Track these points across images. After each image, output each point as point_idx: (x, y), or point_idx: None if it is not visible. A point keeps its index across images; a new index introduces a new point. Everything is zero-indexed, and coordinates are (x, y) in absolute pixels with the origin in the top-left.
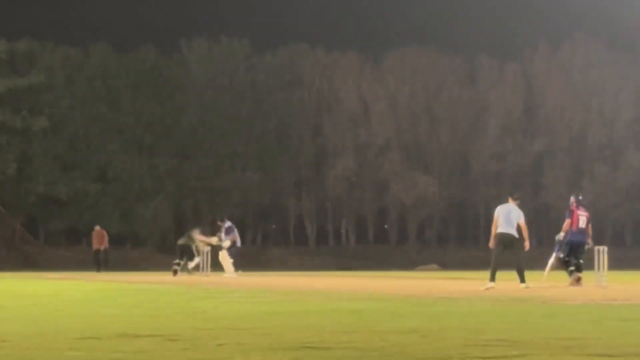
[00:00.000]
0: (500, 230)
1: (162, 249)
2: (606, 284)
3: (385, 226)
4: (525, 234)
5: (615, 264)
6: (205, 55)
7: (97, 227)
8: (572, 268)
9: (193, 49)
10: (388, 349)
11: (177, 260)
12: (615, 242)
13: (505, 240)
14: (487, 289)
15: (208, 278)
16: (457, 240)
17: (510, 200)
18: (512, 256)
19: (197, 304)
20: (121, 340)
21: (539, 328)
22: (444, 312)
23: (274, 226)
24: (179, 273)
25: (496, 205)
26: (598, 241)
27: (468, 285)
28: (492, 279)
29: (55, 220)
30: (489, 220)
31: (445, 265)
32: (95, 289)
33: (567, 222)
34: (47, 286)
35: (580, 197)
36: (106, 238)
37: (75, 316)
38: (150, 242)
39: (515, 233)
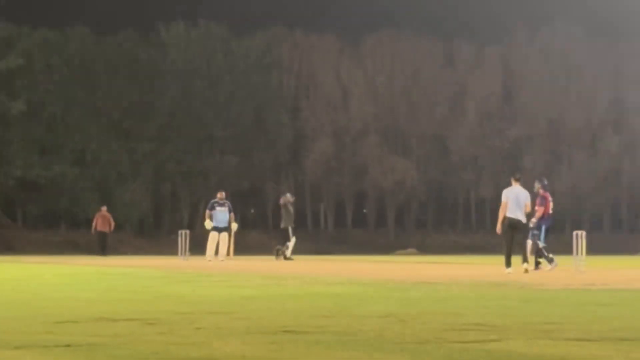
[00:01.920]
0: (509, 215)
1: (140, 232)
2: (584, 269)
3: (364, 210)
4: (537, 211)
5: (594, 249)
6: (183, 39)
7: (104, 209)
8: (550, 255)
9: (171, 32)
10: (366, 333)
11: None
12: (593, 227)
13: (514, 224)
14: (507, 274)
15: (187, 262)
16: (436, 224)
17: (513, 182)
18: (518, 238)
19: (175, 288)
20: (99, 324)
21: (516, 313)
22: (422, 296)
23: (252, 210)
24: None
25: (474, 189)
26: (577, 226)
27: (446, 269)
28: (508, 264)
29: (33, 204)
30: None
31: (424, 249)
32: (73, 272)
33: (540, 209)
34: (25, 270)
35: (546, 182)
36: (112, 221)
37: (53, 300)
38: (128, 226)
39: (523, 217)
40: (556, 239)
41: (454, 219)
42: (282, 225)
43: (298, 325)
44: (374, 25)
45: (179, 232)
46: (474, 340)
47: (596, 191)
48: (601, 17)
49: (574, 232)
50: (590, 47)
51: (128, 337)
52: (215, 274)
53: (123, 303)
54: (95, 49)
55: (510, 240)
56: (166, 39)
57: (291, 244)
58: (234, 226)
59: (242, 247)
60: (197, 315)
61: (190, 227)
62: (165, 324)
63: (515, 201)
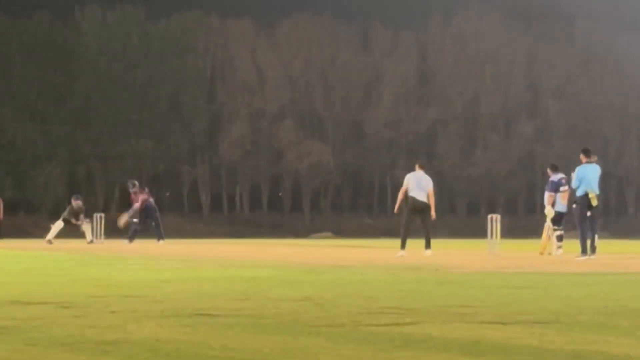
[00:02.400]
0: (412, 194)
1: (56, 215)
2: (499, 252)
3: (280, 194)
4: (432, 202)
5: (508, 232)
6: (99, 22)
7: None
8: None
9: (87, 15)
10: (281, 317)
11: None
12: (508, 211)
13: (419, 206)
14: (399, 257)
15: (102, 245)
16: (351, 208)
17: (417, 167)
18: (423, 223)
19: (90, 271)
20: (13, 307)
21: (431, 296)
22: (337, 280)
23: (167, 193)
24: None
25: (390, 173)
26: (491, 209)
27: (362, 253)
28: (403, 246)
29: None
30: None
31: (339, 233)
32: None
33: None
34: None
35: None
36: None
37: None
38: (44, 209)
39: (427, 200)
40: (471, 222)
41: (370, 203)
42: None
43: (213, 308)
44: (290, 9)
45: (94, 215)
46: (390, 324)
47: (511, 175)
48: (516, 2)
49: (489, 216)
50: (505, 31)
51: (42, 320)
52: (130, 257)
53: (37, 286)
54: (10, 32)
55: (409, 222)
56: (82, 22)
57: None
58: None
59: None
60: (112, 299)
61: (105, 210)
62: (80, 307)
63: (417, 184)
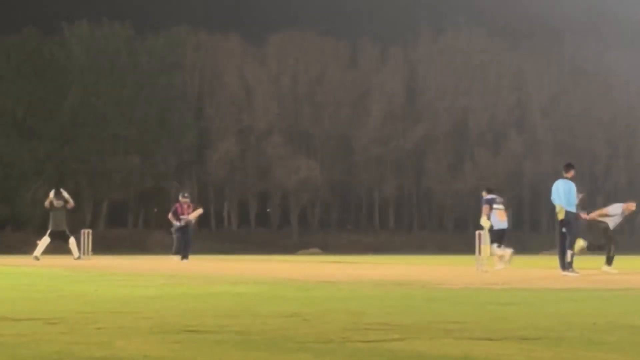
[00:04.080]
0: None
1: (43, 232)
2: (486, 269)
3: (268, 210)
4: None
5: None
6: (87, 37)
7: None
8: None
9: (75, 31)
10: (269, 333)
11: None
12: None
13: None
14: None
15: (90, 261)
16: (339, 224)
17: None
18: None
19: (77, 287)
20: (0, 323)
21: (419, 312)
22: (325, 296)
23: (155, 210)
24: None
25: (378, 189)
26: (479, 225)
27: (350, 269)
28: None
29: None
30: (371, 204)
31: (327, 249)
32: None
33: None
34: None
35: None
36: None
37: None
38: (31, 225)
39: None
40: (459, 238)
41: (358, 219)
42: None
43: (201, 325)
44: (278, 25)
45: (81, 231)
46: (377, 340)
47: (499, 191)
48: (504, 18)
49: (476, 232)
50: (493, 48)
51: (30, 336)
52: (118, 273)
53: (25, 302)
54: None
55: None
56: (70, 38)
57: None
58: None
59: (145, 246)
60: (99, 315)
61: (92, 226)
62: (67, 323)
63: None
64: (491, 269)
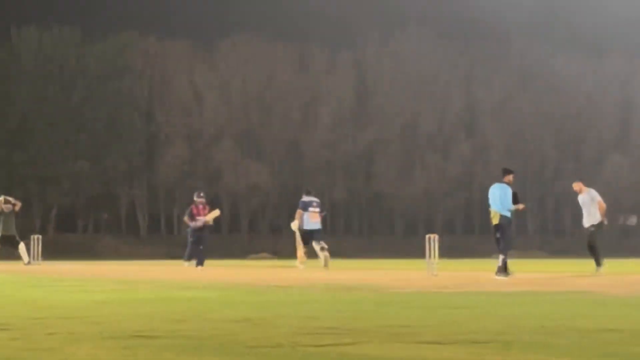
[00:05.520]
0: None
1: None
2: (437, 272)
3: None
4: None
5: (446, 252)
6: (35, 43)
7: None
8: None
9: (23, 36)
10: (220, 338)
11: None
12: (446, 230)
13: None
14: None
15: (40, 267)
16: (289, 228)
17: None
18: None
19: (27, 293)
20: None
21: (370, 316)
22: (276, 300)
23: (105, 215)
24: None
25: (328, 193)
26: (430, 229)
27: (300, 273)
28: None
29: None
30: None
31: (278, 253)
32: None
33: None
34: None
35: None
36: None
37: None
38: None
39: None
40: (409, 242)
41: None
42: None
43: (151, 330)
44: (227, 30)
45: (31, 237)
46: (328, 344)
47: (449, 194)
48: (453, 22)
49: (427, 235)
50: (442, 52)
51: None
52: (68, 278)
53: None
54: None
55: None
56: (18, 43)
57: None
58: None
59: (95, 251)
60: (50, 320)
61: (42, 232)
62: (18, 329)
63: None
64: (297, 267)
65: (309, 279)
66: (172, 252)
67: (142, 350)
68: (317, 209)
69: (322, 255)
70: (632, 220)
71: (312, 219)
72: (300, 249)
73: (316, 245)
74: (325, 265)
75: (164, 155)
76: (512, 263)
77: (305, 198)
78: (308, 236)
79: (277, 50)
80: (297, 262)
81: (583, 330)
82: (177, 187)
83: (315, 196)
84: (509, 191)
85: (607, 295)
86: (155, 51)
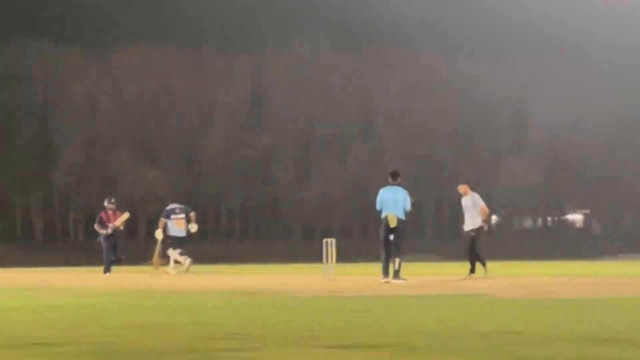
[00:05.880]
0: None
1: None
2: (334, 277)
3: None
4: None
5: (344, 256)
6: None
7: None
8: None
9: None
10: (119, 344)
11: None
12: (343, 235)
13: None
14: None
15: None
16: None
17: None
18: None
19: None
20: None
21: (270, 321)
22: (172, 306)
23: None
24: None
25: (224, 199)
26: (327, 233)
27: (197, 279)
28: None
29: None
30: (217, 214)
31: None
32: None
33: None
34: None
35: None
36: None
37: None
38: None
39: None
40: (306, 247)
41: (204, 229)
42: None
43: (50, 337)
44: (122, 36)
45: None
46: (228, 349)
47: (345, 199)
48: (350, 27)
49: (324, 240)
50: (339, 57)
51: None
52: None
53: None
54: None
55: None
56: None
57: None
58: None
59: None
60: None
61: None
62: None
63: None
64: (165, 272)
65: (205, 285)
66: (69, 259)
67: (41, 359)
68: (181, 215)
69: (186, 260)
70: (495, 220)
71: (176, 226)
72: (174, 254)
73: (174, 253)
74: (187, 270)
75: (59, 162)
76: (407, 266)
77: (169, 206)
78: (177, 242)
79: (172, 55)
80: (169, 268)
81: (482, 333)
82: (72, 194)
83: (179, 204)
84: (404, 193)
85: (503, 298)
86: (50, 57)
